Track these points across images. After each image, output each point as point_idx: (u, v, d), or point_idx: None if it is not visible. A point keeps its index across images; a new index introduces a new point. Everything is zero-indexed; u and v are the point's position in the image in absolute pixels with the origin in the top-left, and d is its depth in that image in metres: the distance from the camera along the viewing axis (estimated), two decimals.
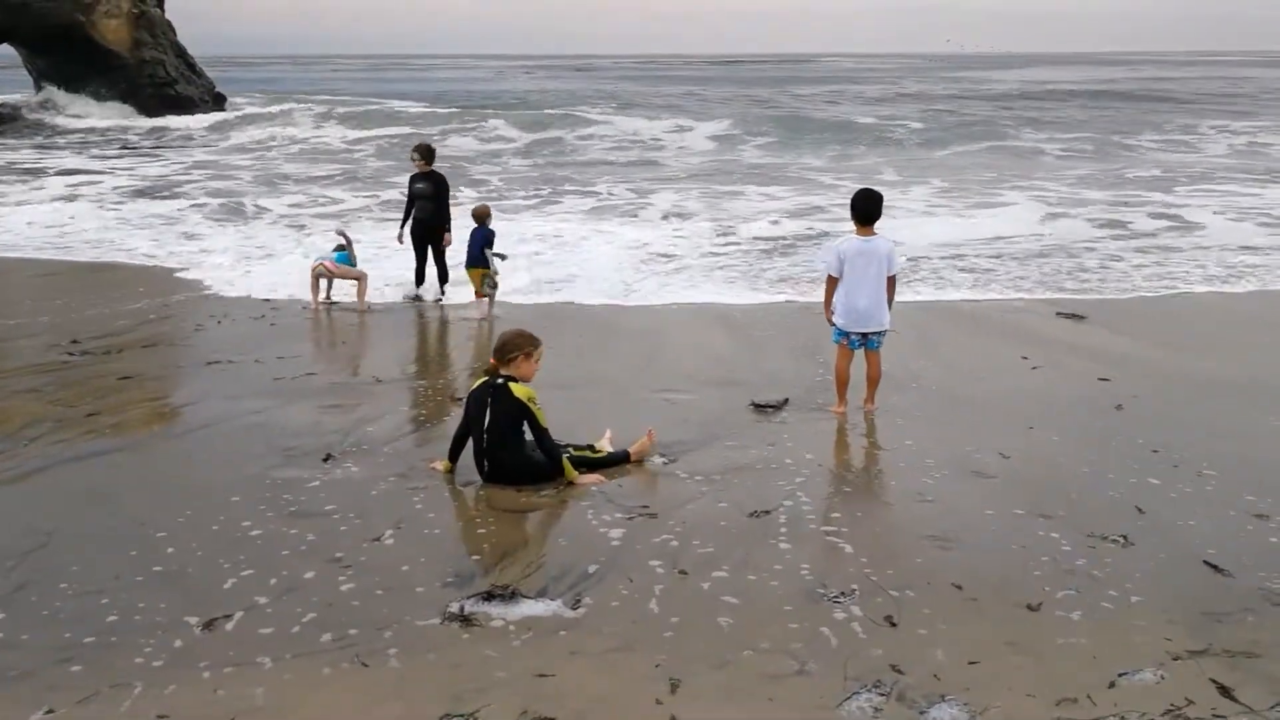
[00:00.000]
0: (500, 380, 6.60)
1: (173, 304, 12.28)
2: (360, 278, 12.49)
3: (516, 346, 6.65)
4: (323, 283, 12.41)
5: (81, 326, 10.91)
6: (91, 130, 39.45)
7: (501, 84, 78.90)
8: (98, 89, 43.28)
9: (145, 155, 32.01)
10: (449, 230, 12.68)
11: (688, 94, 63.84)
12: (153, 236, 17.39)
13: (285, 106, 47.29)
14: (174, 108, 43.06)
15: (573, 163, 30.81)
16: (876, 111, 47.44)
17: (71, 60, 43.11)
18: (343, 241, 12.78)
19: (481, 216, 12.08)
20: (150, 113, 42.20)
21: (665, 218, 19.40)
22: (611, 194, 23.11)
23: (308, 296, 12.33)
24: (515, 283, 13.05)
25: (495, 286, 11.96)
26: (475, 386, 6.79)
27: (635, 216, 19.66)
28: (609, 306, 12.35)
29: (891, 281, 7.92)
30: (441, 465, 6.82)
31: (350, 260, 12.58)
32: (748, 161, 30.56)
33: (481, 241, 11.88)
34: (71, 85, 43.95)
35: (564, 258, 15.26)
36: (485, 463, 6.60)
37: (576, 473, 6.61)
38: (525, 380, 6.65)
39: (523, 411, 6.52)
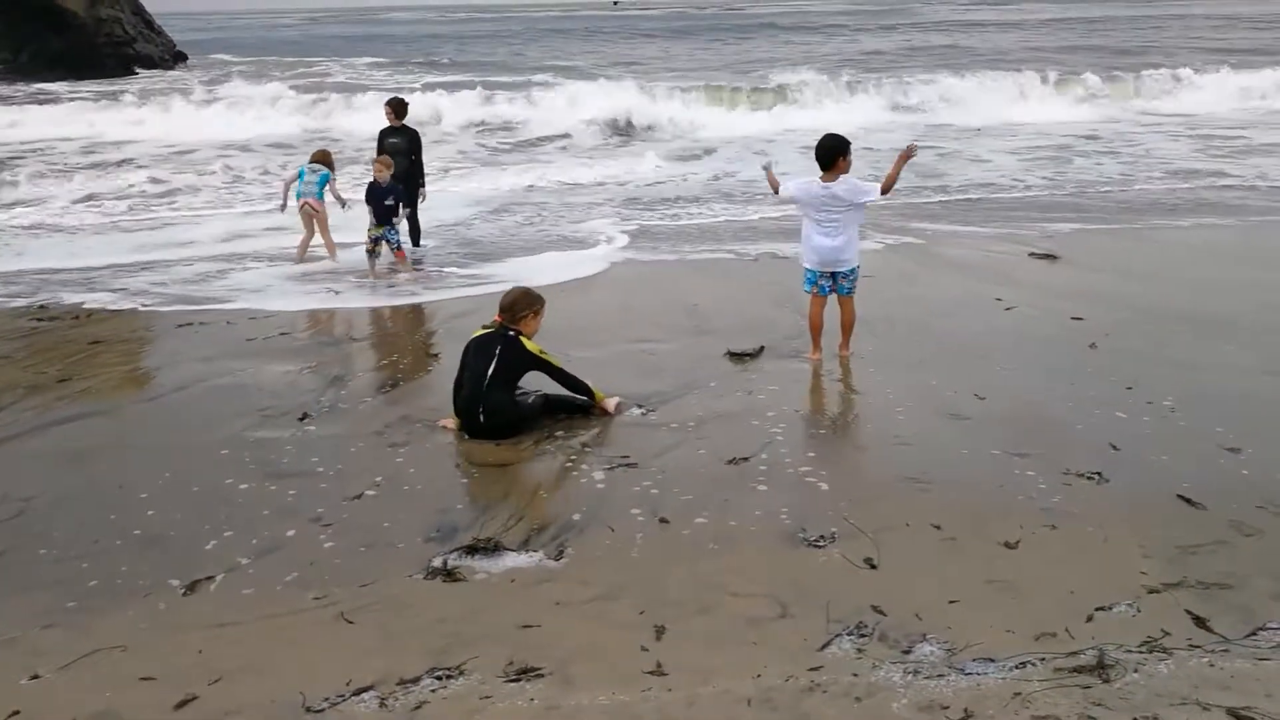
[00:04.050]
0: (512, 333, 6.76)
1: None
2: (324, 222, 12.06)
3: (527, 305, 6.90)
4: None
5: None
6: None
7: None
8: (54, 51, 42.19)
9: None
10: (423, 186, 12.52)
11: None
12: None
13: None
14: (133, 67, 42.12)
15: None
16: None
17: (25, 20, 42.00)
18: (322, 169, 12.08)
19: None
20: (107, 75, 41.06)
21: None
22: None
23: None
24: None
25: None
26: (479, 334, 6.83)
27: None
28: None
29: (868, 201, 7.77)
30: (452, 423, 6.79)
31: (333, 186, 12.05)
32: None
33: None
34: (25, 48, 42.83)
35: None
36: (480, 408, 6.59)
37: (600, 394, 6.99)
38: (531, 337, 6.88)
39: (537, 363, 6.78)
